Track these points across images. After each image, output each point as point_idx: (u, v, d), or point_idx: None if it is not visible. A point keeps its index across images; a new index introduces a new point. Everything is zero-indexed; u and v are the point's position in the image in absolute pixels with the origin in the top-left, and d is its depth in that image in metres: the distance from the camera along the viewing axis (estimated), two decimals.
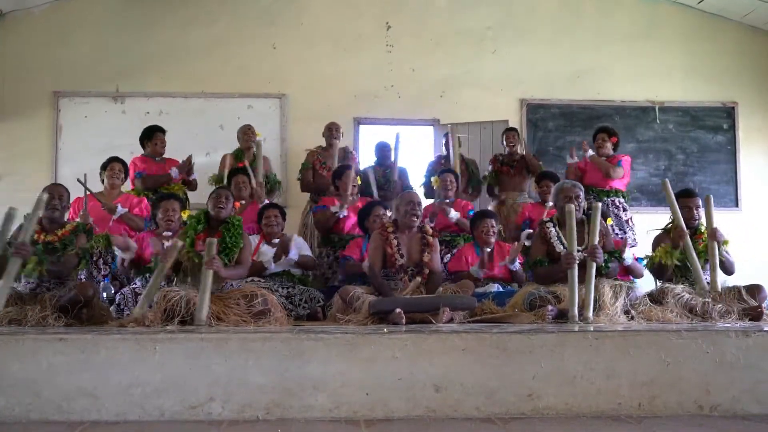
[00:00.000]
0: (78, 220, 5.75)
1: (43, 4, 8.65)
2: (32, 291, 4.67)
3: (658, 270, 5.29)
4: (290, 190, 8.32)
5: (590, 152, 6.97)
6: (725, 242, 5.12)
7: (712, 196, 5.24)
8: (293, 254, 5.70)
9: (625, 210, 6.86)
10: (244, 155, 7.21)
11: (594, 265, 4.61)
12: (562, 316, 4.53)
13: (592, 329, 3.78)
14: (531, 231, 6.17)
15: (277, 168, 8.39)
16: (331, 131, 7.33)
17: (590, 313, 4.43)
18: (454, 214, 6.28)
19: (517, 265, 5.69)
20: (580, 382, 3.47)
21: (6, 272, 4.31)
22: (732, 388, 3.52)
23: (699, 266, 4.96)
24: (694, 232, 5.29)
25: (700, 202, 5.36)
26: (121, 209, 6.10)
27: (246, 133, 7.33)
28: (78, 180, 6.11)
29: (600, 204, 4.90)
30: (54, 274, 4.67)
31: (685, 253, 5.03)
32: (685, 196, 5.40)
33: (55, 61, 8.60)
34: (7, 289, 4.31)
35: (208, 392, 3.34)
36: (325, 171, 7.11)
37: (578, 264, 4.65)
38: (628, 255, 5.32)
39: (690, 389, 3.51)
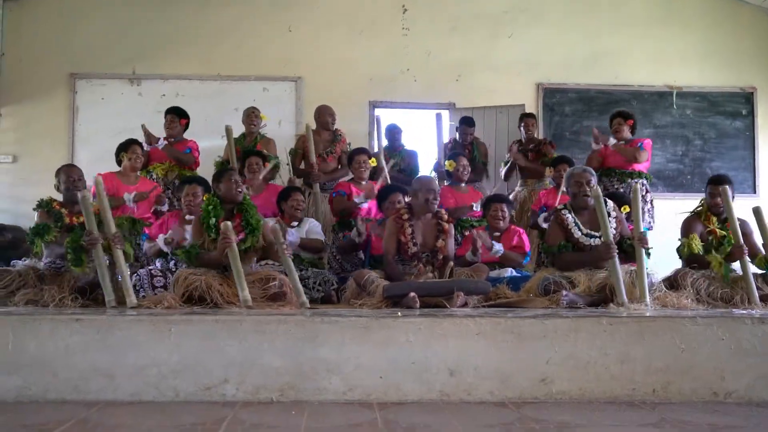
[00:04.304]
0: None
1: None
2: (56, 270, 4.71)
3: (690, 259, 5.24)
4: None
5: (612, 140, 6.85)
6: None
7: (760, 207, 4.97)
8: (293, 237, 5.67)
9: (647, 191, 6.79)
10: (246, 139, 7.20)
11: (642, 251, 4.62)
12: (575, 303, 4.51)
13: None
14: (546, 213, 6.17)
15: None
16: (332, 116, 7.28)
17: (647, 299, 4.42)
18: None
19: (499, 248, 5.62)
20: (594, 367, 3.47)
21: (119, 265, 4.36)
22: (747, 374, 3.52)
23: (753, 282, 4.78)
24: (725, 220, 5.23)
25: (728, 191, 5.25)
26: (167, 205, 6.11)
27: (249, 116, 7.30)
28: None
29: (638, 186, 4.86)
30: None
31: (742, 270, 4.86)
32: (711, 183, 5.35)
33: (71, 43, 8.62)
34: (129, 280, 4.36)
35: (223, 374, 3.37)
36: (315, 157, 7.04)
37: (597, 248, 4.68)
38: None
39: (705, 375, 3.51)
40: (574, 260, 4.99)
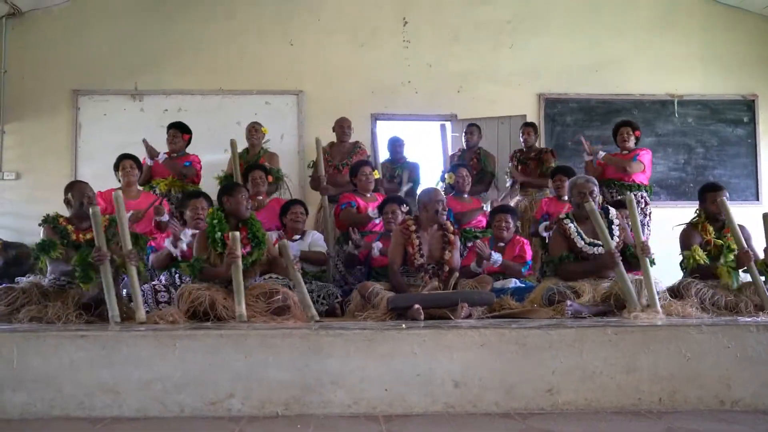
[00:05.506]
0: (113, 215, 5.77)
1: (61, 3, 8.70)
2: (60, 287, 4.69)
3: (694, 270, 5.18)
4: (307, 186, 8.33)
5: (601, 153, 6.87)
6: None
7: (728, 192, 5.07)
8: (293, 250, 5.65)
9: (646, 203, 6.82)
10: (249, 153, 7.24)
11: (647, 260, 4.63)
12: (579, 313, 4.50)
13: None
14: (547, 223, 6.20)
15: (295, 164, 8.42)
16: (343, 128, 7.34)
17: (657, 306, 4.43)
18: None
19: (497, 258, 5.63)
20: (600, 377, 3.46)
21: (131, 282, 4.39)
22: (753, 382, 3.50)
23: (764, 288, 4.79)
24: (722, 225, 5.23)
25: (727, 194, 5.29)
26: (167, 216, 6.03)
27: (250, 131, 7.36)
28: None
29: (632, 196, 4.87)
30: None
31: (751, 276, 4.88)
32: (713, 190, 5.31)
33: (74, 59, 8.64)
34: (140, 295, 4.38)
35: (228, 388, 3.36)
36: (332, 169, 7.13)
37: (601, 256, 4.68)
38: None
39: (711, 384, 3.49)
40: (577, 270, 4.99)
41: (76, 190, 4.93)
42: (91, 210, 4.47)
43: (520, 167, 7.41)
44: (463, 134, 7.73)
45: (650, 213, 6.85)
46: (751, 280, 4.90)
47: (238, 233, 4.57)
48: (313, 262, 5.87)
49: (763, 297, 4.76)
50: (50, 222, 4.82)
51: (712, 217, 5.25)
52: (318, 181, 6.89)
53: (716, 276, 5.03)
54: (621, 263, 4.63)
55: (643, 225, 6.66)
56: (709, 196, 5.29)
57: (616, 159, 6.81)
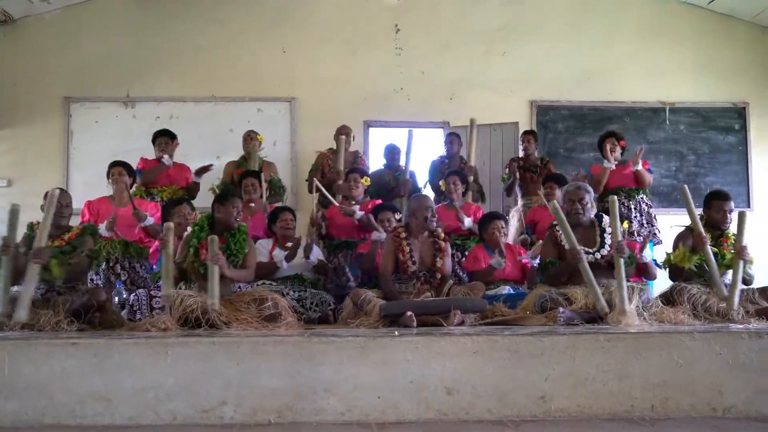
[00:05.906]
0: (88, 223, 5.72)
1: (53, 10, 8.70)
2: (43, 296, 4.67)
3: (674, 270, 5.24)
4: (300, 192, 8.34)
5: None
6: (750, 261, 5.03)
7: (745, 212, 5.06)
8: (314, 258, 5.73)
9: (651, 206, 6.84)
10: (247, 162, 7.23)
11: (621, 260, 4.61)
12: (572, 319, 4.51)
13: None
14: (525, 236, 6.27)
15: (287, 171, 8.40)
16: (341, 134, 7.34)
17: (626, 306, 4.42)
18: (468, 222, 6.07)
19: (502, 261, 5.69)
20: (593, 384, 3.46)
21: (26, 279, 4.34)
22: (745, 389, 3.50)
23: (718, 273, 4.87)
24: (721, 234, 5.23)
25: (732, 205, 5.31)
26: (150, 219, 6.04)
27: (245, 140, 7.34)
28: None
29: (616, 198, 4.88)
30: (67, 276, 4.69)
31: (705, 259, 4.96)
32: (721, 199, 5.34)
33: (66, 66, 8.64)
34: (30, 295, 4.32)
35: (220, 396, 3.35)
36: (334, 174, 7.12)
37: (594, 264, 4.69)
38: (647, 253, 5.33)
39: (703, 391, 3.49)
40: (557, 272, 5.03)
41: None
42: (10, 208, 4.51)
43: (527, 174, 7.36)
44: (444, 143, 7.72)
45: (655, 216, 6.85)
46: (744, 288, 4.92)
47: (171, 224, 4.63)
48: (321, 271, 5.89)
49: (715, 281, 4.86)
50: (29, 230, 4.84)
51: (714, 225, 5.24)
52: (338, 175, 6.96)
53: (689, 278, 5.11)
54: (585, 262, 4.65)
55: (652, 226, 6.68)
56: (715, 203, 5.30)
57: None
